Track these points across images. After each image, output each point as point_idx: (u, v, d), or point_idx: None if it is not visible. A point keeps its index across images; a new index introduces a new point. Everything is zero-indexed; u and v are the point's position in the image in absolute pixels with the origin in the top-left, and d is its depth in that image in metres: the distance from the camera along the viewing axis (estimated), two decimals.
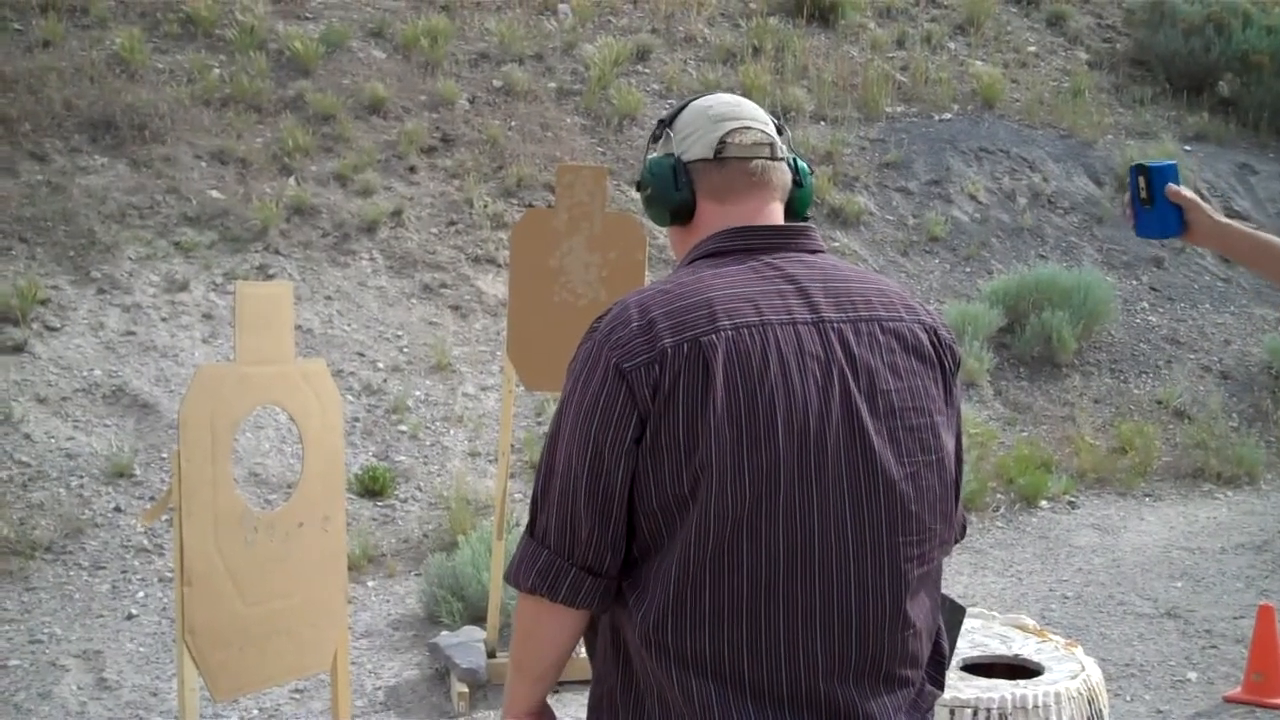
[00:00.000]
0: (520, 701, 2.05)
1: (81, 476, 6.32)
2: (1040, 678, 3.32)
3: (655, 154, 2.10)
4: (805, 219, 2.12)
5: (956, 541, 2.14)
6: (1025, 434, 8.23)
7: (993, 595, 6.28)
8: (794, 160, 2.11)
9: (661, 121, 2.12)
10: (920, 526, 1.91)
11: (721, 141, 2.02)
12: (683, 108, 2.11)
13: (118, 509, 6.22)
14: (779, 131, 2.09)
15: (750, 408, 1.82)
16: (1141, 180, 2.67)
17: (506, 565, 1.98)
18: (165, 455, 6.47)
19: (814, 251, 2.01)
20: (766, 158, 2.04)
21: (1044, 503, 7.53)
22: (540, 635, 1.96)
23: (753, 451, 1.81)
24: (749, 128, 2.04)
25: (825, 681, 1.85)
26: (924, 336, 1.97)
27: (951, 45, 11.90)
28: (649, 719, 1.88)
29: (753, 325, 1.86)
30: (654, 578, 1.85)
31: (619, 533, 1.87)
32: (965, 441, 2.13)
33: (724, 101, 2.08)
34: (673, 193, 2.04)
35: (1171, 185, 2.62)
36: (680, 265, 2.05)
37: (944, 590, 2.20)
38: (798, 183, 2.10)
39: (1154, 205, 2.65)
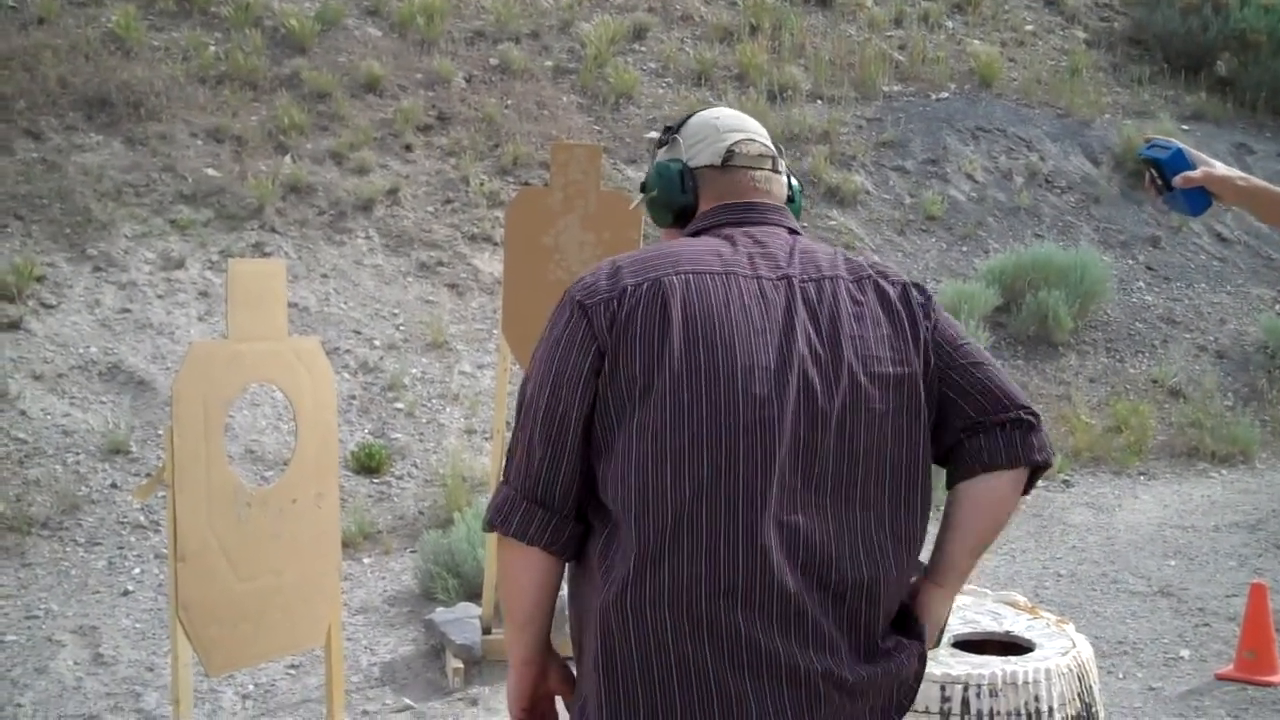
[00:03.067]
0: (514, 649, 2.07)
1: (78, 453, 6.33)
2: (1031, 654, 3.33)
3: (662, 158, 2.20)
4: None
5: (1044, 468, 2.19)
6: None
7: (987, 573, 6.29)
8: (788, 176, 2.23)
9: (669, 128, 2.23)
10: (878, 477, 1.93)
11: (729, 150, 2.14)
12: (689, 116, 2.23)
13: (114, 485, 6.23)
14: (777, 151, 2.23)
15: (709, 346, 1.87)
16: (1154, 171, 2.66)
17: None
18: (161, 432, 6.47)
19: (789, 230, 2.10)
20: (769, 169, 2.16)
21: (1039, 481, 7.53)
22: (510, 576, 2.01)
23: (711, 388, 1.85)
24: (754, 140, 2.17)
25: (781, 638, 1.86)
26: (891, 291, 2.02)
27: (949, 24, 11.86)
28: (628, 682, 1.88)
29: (715, 272, 1.95)
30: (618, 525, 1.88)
31: (572, 466, 1.92)
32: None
33: (730, 115, 2.22)
34: (679, 195, 2.15)
35: (1182, 174, 2.61)
36: None
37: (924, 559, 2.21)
38: (789, 198, 2.22)
39: (1173, 191, 2.64)
